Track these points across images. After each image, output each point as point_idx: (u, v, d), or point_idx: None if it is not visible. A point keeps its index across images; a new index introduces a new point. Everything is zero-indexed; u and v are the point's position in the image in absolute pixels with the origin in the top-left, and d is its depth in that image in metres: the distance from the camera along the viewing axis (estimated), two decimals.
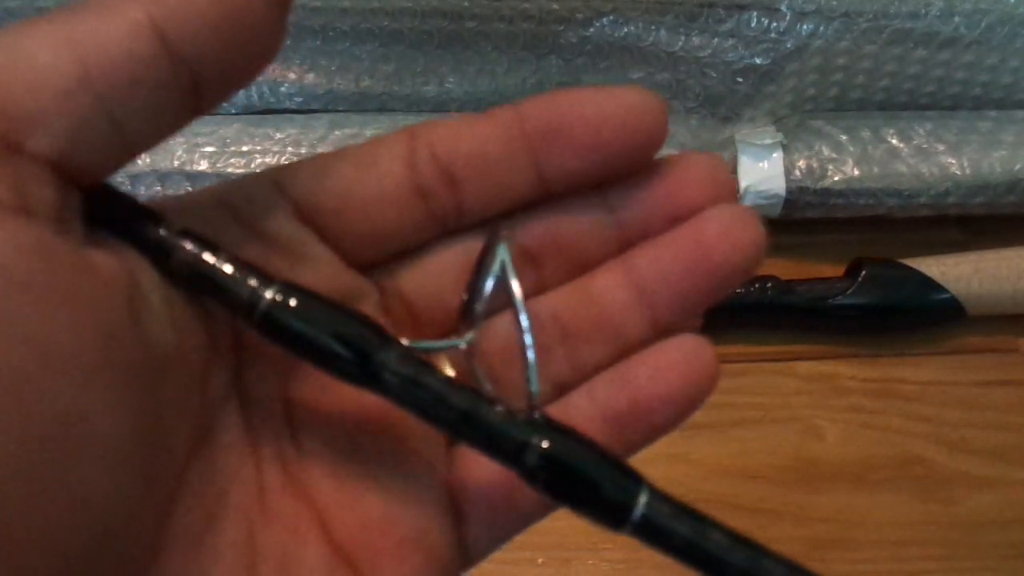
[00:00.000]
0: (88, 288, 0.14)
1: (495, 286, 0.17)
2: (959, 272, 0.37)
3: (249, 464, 0.17)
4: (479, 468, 0.18)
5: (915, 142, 0.38)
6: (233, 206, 0.17)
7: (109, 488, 0.14)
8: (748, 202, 0.38)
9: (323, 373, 0.17)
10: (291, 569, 0.17)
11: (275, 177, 0.18)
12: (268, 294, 0.16)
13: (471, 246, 0.19)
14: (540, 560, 0.34)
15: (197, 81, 0.15)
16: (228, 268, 0.16)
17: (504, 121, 0.18)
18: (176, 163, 0.38)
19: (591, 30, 0.38)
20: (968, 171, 0.38)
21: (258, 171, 0.18)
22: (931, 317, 0.38)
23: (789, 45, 0.38)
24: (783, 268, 0.39)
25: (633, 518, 0.16)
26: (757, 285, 0.38)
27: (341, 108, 0.41)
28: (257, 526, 0.17)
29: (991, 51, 0.38)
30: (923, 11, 0.37)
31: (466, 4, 0.37)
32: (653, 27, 0.38)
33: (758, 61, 0.39)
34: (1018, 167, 0.38)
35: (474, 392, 0.16)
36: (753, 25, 0.38)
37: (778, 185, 0.38)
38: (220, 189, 0.17)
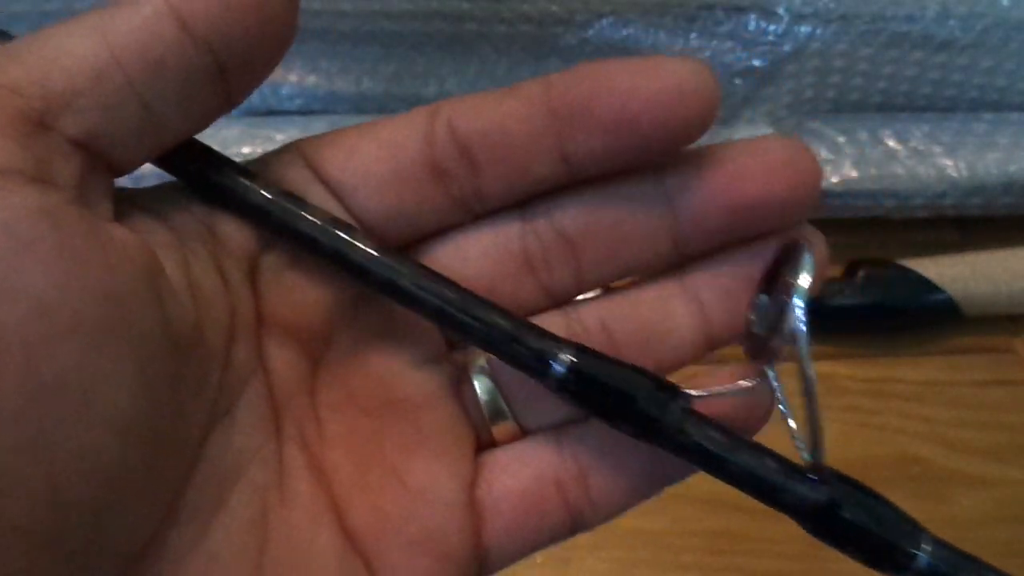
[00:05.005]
0: (101, 258, 0.14)
1: (804, 319, 0.15)
2: (956, 273, 0.37)
3: (270, 443, 0.17)
4: (508, 477, 0.18)
5: (912, 144, 0.39)
6: (268, 182, 0.17)
7: (116, 453, 0.14)
8: None
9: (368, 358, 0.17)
10: (301, 552, 0.17)
11: (303, 151, 0.18)
12: (563, 356, 0.16)
13: (499, 232, 0.18)
14: (539, 559, 0.34)
15: (221, 66, 0.15)
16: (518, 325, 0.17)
17: (529, 96, 0.17)
18: None
19: (590, 32, 0.38)
20: (964, 172, 0.38)
21: (284, 145, 0.18)
22: (928, 318, 0.38)
23: (787, 47, 0.38)
24: None
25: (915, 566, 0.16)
26: None
27: (341, 110, 0.41)
28: (272, 506, 0.17)
29: (986, 54, 0.38)
30: (919, 14, 0.37)
31: (466, 6, 0.37)
32: (652, 29, 0.38)
33: (756, 63, 0.39)
34: (1013, 168, 0.38)
35: (756, 450, 0.17)
36: (751, 27, 0.38)
37: None
38: (252, 166, 0.17)
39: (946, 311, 0.38)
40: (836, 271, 0.39)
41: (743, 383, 0.17)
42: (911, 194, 0.38)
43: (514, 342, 0.17)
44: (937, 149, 0.38)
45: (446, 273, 0.17)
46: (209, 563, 0.16)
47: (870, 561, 0.16)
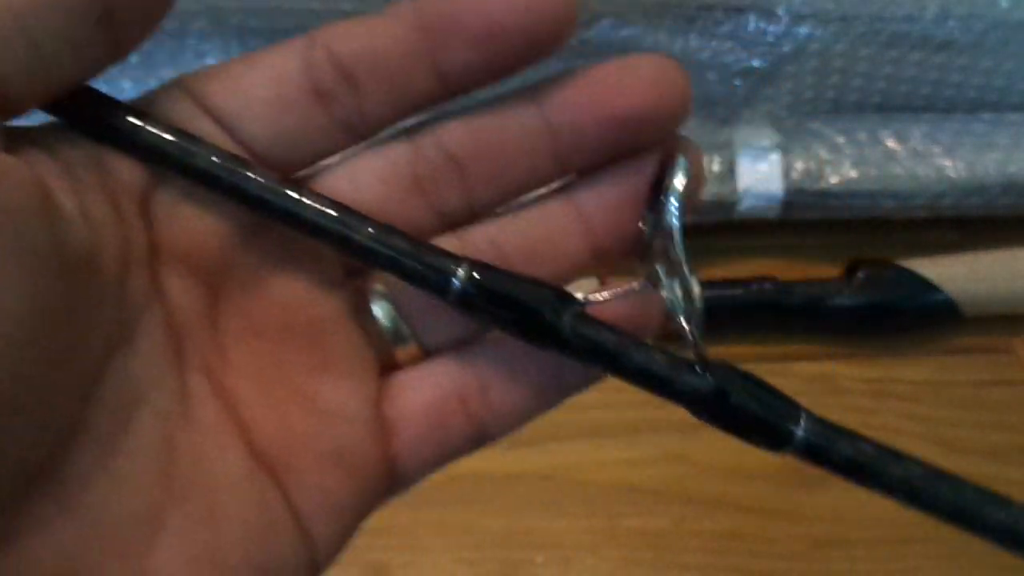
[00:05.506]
0: None
1: (677, 215, 0.17)
2: (955, 273, 0.38)
3: (172, 371, 0.18)
4: (412, 394, 0.19)
5: (911, 144, 0.39)
6: (157, 120, 0.17)
7: (12, 358, 0.14)
8: (746, 204, 0.39)
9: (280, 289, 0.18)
10: (208, 472, 0.17)
11: (187, 85, 0.18)
12: (461, 271, 0.17)
13: (389, 156, 0.19)
14: (540, 560, 0.34)
15: (108, 7, 0.15)
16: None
17: (401, 15, 0.17)
18: None
19: (591, 32, 0.38)
20: (963, 173, 0.38)
21: (169, 81, 0.18)
22: (927, 318, 0.38)
23: (786, 48, 0.38)
24: (781, 269, 0.39)
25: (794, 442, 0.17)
26: (755, 286, 0.38)
27: None
28: (176, 430, 0.17)
29: (985, 55, 0.38)
30: (918, 15, 0.37)
31: None
32: (652, 29, 0.38)
33: (756, 63, 0.39)
34: (1012, 169, 0.38)
35: (647, 348, 0.18)
36: (751, 28, 0.38)
37: (776, 187, 0.38)
38: (139, 104, 0.18)
39: (945, 311, 0.38)
40: (836, 272, 0.39)
41: (630, 285, 0.18)
42: (910, 194, 0.39)
43: (413, 260, 0.17)
44: (936, 149, 0.39)
45: (340, 198, 0.18)
46: (114, 484, 0.16)
47: (755, 440, 0.18)
